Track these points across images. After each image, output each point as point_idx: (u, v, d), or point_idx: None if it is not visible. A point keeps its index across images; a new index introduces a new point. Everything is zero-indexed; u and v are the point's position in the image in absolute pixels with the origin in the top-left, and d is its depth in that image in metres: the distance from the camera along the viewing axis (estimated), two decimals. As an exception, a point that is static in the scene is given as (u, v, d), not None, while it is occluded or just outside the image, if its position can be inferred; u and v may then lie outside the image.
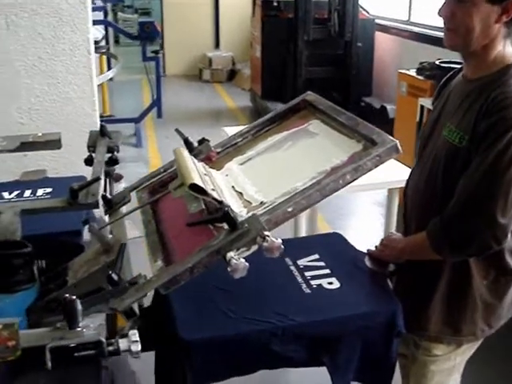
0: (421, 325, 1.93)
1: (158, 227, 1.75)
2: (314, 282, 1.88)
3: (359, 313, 1.76)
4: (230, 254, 1.39)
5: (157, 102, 7.84)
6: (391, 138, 1.56)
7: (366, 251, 2.05)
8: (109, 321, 1.40)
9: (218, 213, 1.45)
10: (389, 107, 7.07)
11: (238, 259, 1.37)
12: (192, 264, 1.41)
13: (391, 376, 1.83)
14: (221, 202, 1.51)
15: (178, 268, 1.43)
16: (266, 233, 1.39)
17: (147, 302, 1.73)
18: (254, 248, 1.42)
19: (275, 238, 1.38)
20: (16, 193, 2.48)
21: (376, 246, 2.03)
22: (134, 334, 1.23)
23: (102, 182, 2.03)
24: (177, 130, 2.08)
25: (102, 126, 2.27)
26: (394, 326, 1.76)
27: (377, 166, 1.53)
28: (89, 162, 2.18)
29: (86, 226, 2.06)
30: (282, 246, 1.38)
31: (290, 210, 1.46)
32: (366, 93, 8.10)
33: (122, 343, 1.23)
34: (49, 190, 2.47)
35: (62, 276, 1.73)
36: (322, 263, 1.99)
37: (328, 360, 1.74)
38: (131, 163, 6.28)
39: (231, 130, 4.29)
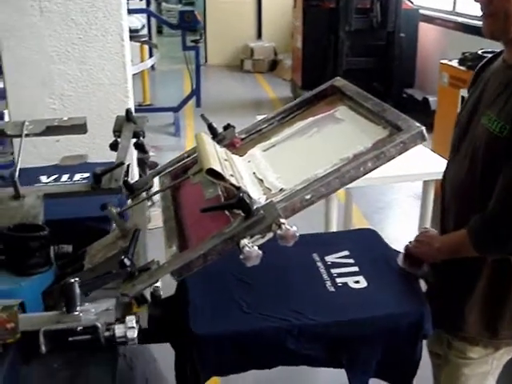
0: (456, 325, 1.84)
1: (176, 213, 1.71)
2: (339, 280, 1.78)
3: (382, 314, 1.66)
4: (244, 242, 1.35)
5: (196, 92, 7.84)
6: (417, 124, 1.49)
7: (399, 250, 1.95)
8: (121, 307, 1.37)
9: (234, 199, 1.40)
10: (431, 99, 6.94)
11: (251, 247, 1.32)
12: (205, 251, 1.37)
13: (413, 377, 1.74)
14: (238, 188, 1.46)
15: (190, 254, 1.40)
16: (282, 220, 1.34)
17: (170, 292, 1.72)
18: (269, 236, 1.37)
19: (291, 225, 1.33)
20: (54, 177, 2.48)
21: (410, 242, 1.94)
22: (131, 321, 1.20)
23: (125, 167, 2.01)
24: (202, 116, 2.04)
25: (127, 111, 2.25)
26: (419, 329, 1.66)
27: (401, 153, 1.46)
28: (114, 146, 2.17)
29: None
30: (297, 234, 1.33)
31: (307, 197, 1.41)
32: (408, 84, 7.97)
33: (118, 329, 1.20)
34: (86, 175, 2.43)
35: (79, 260, 1.71)
36: (351, 260, 1.90)
37: (347, 361, 1.66)
38: (169, 152, 6.27)
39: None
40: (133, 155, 3.52)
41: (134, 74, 7.64)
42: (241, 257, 1.32)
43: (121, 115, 2.28)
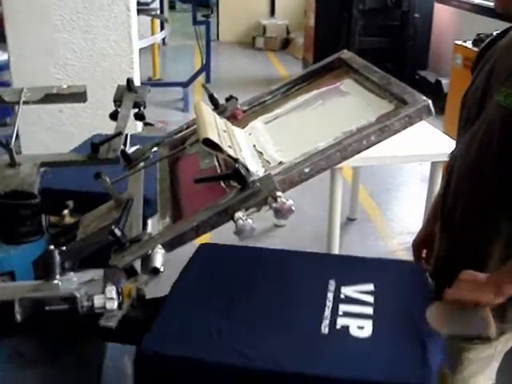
0: None
1: (172, 185, 1.67)
2: (341, 321, 1.53)
3: (364, 379, 1.39)
4: (238, 214, 1.30)
5: (205, 67, 7.74)
6: (424, 98, 1.43)
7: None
8: (111, 278, 1.32)
9: (230, 170, 1.36)
10: (444, 81, 6.82)
11: (245, 220, 1.27)
12: (197, 222, 1.33)
13: None
14: (235, 160, 1.40)
15: (183, 226, 1.35)
16: (278, 193, 1.29)
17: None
18: (265, 209, 1.32)
19: (287, 199, 1.28)
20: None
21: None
22: (111, 291, 1.15)
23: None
24: (203, 86, 2.00)
25: (128, 80, 2.20)
26: None
27: (406, 127, 1.40)
28: (114, 116, 2.12)
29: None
30: (293, 208, 1.27)
31: (306, 170, 1.36)
32: (421, 66, 7.85)
33: (97, 300, 1.15)
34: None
35: (72, 230, 1.67)
36: (370, 298, 1.62)
37: None
38: (177, 127, 6.20)
39: None
40: (137, 127, 3.50)
41: (143, 48, 7.62)
42: (234, 230, 1.28)
43: (122, 84, 2.24)
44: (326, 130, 1.54)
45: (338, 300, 1.60)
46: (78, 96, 2.20)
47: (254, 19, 11.52)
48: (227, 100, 1.93)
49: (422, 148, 3.13)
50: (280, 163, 1.48)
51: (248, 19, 11.58)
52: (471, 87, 1.77)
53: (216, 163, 1.49)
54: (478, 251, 1.71)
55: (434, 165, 3.21)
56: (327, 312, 1.55)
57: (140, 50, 6.90)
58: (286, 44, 11.17)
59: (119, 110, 2.14)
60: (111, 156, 1.90)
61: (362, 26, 7.50)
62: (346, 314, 1.56)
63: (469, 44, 4.85)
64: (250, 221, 1.28)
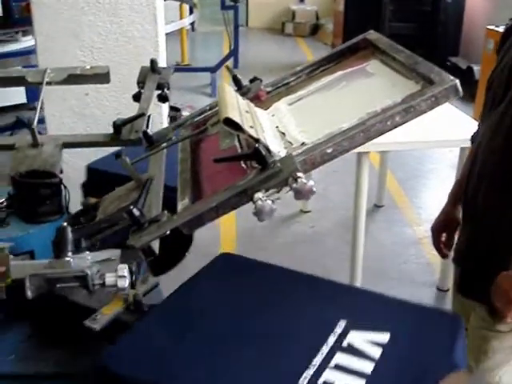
0: (487, 294, 1.72)
1: (193, 165, 1.64)
2: (326, 376, 1.21)
3: None
4: (258, 195, 1.26)
5: (234, 52, 7.74)
6: (452, 77, 1.38)
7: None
8: (127, 257, 1.31)
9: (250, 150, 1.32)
10: (475, 68, 6.72)
11: (264, 200, 1.24)
12: (217, 203, 1.30)
13: None
14: (257, 140, 1.37)
15: (201, 206, 1.32)
16: (299, 174, 1.25)
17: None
18: (285, 190, 1.28)
19: (308, 179, 1.24)
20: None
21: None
22: (122, 269, 1.13)
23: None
24: (226, 67, 1.96)
25: (152, 61, 2.17)
26: None
27: (432, 108, 1.35)
28: (137, 97, 2.10)
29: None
30: (314, 190, 1.23)
31: (329, 151, 1.32)
32: (452, 52, 7.75)
33: (109, 277, 1.13)
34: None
35: (92, 211, 1.66)
36: (377, 351, 1.29)
37: None
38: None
39: None
40: (162, 110, 3.48)
41: (172, 34, 7.60)
42: (253, 211, 1.24)
43: (146, 66, 2.21)
44: (350, 111, 1.49)
45: (335, 347, 1.30)
46: (102, 77, 2.18)
47: (284, 5, 11.48)
48: (251, 81, 1.89)
49: (451, 133, 3.07)
50: (302, 144, 1.44)
51: (277, 5, 11.53)
52: (497, 68, 1.72)
53: (237, 143, 1.45)
54: (501, 236, 1.66)
55: (462, 151, 3.14)
56: (318, 359, 1.26)
57: (168, 35, 6.91)
58: (315, 30, 11.10)
59: (142, 91, 2.12)
60: (133, 137, 1.88)
61: (392, 12, 7.42)
62: (336, 367, 1.24)
63: (501, 29, 4.75)
64: (269, 201, 1.24)
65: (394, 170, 4.76)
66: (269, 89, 1.86)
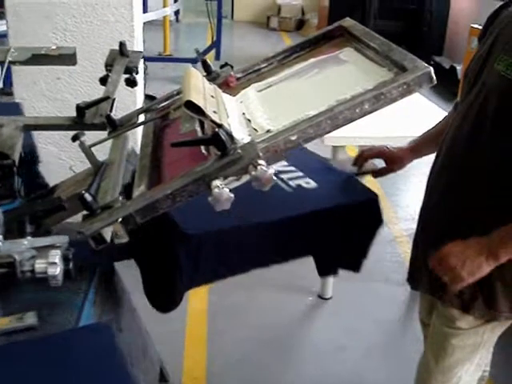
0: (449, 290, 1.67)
1: (154, 152, 1.56)
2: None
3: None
4: (216, 183, 1.19)
5: (216, 44, 7.65)
6: (425, 64, 1.31)
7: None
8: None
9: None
10: (458, 68, 6.70)
11: (221, 188, 1.17)
12: (171, 190, 1.22)
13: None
14: (219, 126, 1.29)
15: (156, 193, 1.25)
16: (260, 161, 1.19)
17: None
18: (245, 178, 1.22)
19: (268, 167, 1.18)
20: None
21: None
22: (54, 256, 1.05)
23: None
24: (195, 50, 1.89)
25: (121, 43, 2.09)
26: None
27: (404, 96, 1.28)
28: (104, 81, 2.02)
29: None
30: (275, 178, 1.20)
31: (293, 138, 1.25)
32: (437, 51, 7.70)
33: (38, 264, 1.05)
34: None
35: (49, 195, 1.58)
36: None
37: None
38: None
39: None
40: (137, 100, 3.40)
41: (154, 24, 7.51)
42: (209, 199, 1.18)
43: (114, 49, 2.13)
44: (320, 99, 1.42)
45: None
46: (68, 58, 2.09)
47: (269, -1, 11.38)
48: (221, 67, 1.83)
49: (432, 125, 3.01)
50: (268, 131, 1.37)
51: (263, -2, 11.43)
52: (475, 57, 1.66)
53: (198, 128, 1.38)
54: (449, 226, 1.64)
55: (441, 148, 3.08)
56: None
57: (152, 25, 6.82)
58: (300, 25, 11.04)
59: (110, 74, 2.04)
60: (97, 121, 1.80)
61: (377, 9, 7.36)
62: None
63: (485, 27, 4.71)
64: (226, 190, 1.18)
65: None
66: (239, 75, 1.80)
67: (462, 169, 1.62)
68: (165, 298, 1.65)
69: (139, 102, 3.52)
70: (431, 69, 1.28)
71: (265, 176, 1.17)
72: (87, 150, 1.53)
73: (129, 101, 3.31)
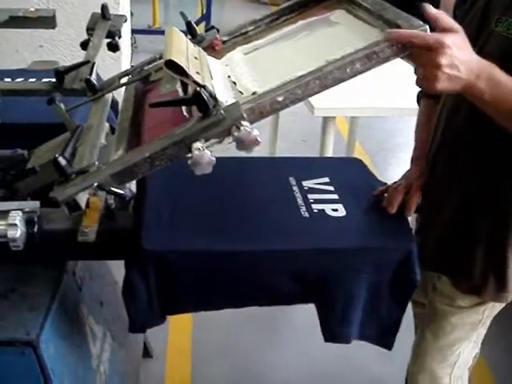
0: (452, 268, 1.63)
1: (134, 116, 1.49)
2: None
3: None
4: (197, 145, 1.12)
5: (206, 17, 7.52)
6: (421, 23, 1.22)
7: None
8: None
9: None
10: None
11: (202, 150, 1.11)
12: (150, 153, 1.15)
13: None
14: (202, 86, 1.21)
15: (134, 157, 1.18)
16: (244, 122, 1.12)
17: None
18: (228, 141, 1.15)
19: (252, 128, 1.11)
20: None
21: None
22: (14, 217, 0.99)
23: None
24: (181, 13, 1.80)
25: (103, 6, 2.00)
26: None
27: (397, 55, 1.20)
28: (85, 45, 1.93)
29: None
30: (259, 140, 1.11)
31: (279, 99, 1.18)
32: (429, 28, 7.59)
33: None
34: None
35: (23, 162, 1.50)
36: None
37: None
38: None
39: None
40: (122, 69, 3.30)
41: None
42: (189, 162, 1.12)
43: (96, 12, 2.04)
44: (309, 60, 1.34)
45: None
46: (47, 21, 2.01)
47: (261, -29, 11.18)
48: (207, 31, 1.75)
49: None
50: (254, 93, 1.30)
51: (254, -29, 11.23)
52: (466, 21, 1.56)
53: (179, 89, 1.32)
54: (460, 207, 1.56)
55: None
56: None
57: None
58: (291, -1, 10.86)
59: (91, 39, 1.95)
60: (77, 86, 1.72)
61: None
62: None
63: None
64: (207, 152, 1.11)
65: (362, 143, 4.64)
66: (225, 38, 1.72)
67: (463, 143, 1.54)
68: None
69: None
70: (427, 27, 1.20)
71: (249, 137, 1.11)
72: (63, 114, 1.45)
73: (113, 71, 3.20)
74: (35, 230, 1.22)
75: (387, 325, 1.52)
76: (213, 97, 1.18)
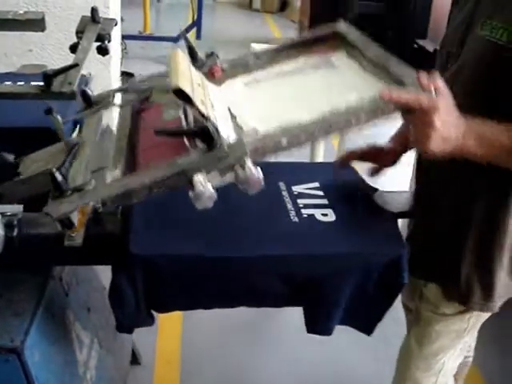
0: (436, 274, 1.62)
1: (131, 134, 1.49)
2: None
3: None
4: (199, 178, 1.14)
5: (197, 23, 7.50)
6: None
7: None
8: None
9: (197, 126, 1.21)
10: (443, 51, 6.57)
11: (204, 184, 1.12)
12: (150, 180, 1.16)
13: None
14: (206, 118, 1.24)
15: (133, 181, 1.19)
16: (248, 161, 1.14)
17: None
18: (229, 177, 1.17)
19: (257, 169, 1.14)
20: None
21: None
22: None
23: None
24: (183, 36, 1.85)
25: (92, 9, 1.95)
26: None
27: (399, 111, 1.26)
28: (74, 48, 1.87)
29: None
30: (262, 183, 1.15)
31: (283, 141, 1.21)
32: (421, 35, 7.50)
33: None
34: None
35: (10, 169, 1.48)
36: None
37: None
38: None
39: (260, 47, 3.95)
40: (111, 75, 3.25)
41: (134, 3, 7.34)
42: (190, 194, 1.13)
43: (86, 15, 1.99)
44: (311, 102, 1.40)
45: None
46: (36, 23, 1.95)
47: (252, -21, 11.18)
48: (207, 56, 1.73)
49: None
50: (254, 129, 1.33)
51: (246, -22, 11.24)
52: (452, 26, 1.55)
53: (182, 116, 1.32)
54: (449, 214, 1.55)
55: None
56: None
57: (132, 4, 6.71)
58: (284, 6, 10.87)
59: (81, 42, 1.90)
60: (66, 89, 1.65)
61: (360, -10, 7.19)
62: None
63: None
64: (209, 187, 1.13)
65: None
66: (225, 66, 1.71)
67: None
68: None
69: (114, 78, 3.43)
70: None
71: (253, 178, 1.13)
72: (59, 126, 1.46)
73: (102, 73, 3.24)
74: (14, 233, 1.23)
75: (371, 316, 1.57)
76: (216, 130, 1.19)
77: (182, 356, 2.75)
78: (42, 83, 1.62)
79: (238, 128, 1.36)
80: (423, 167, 1.67)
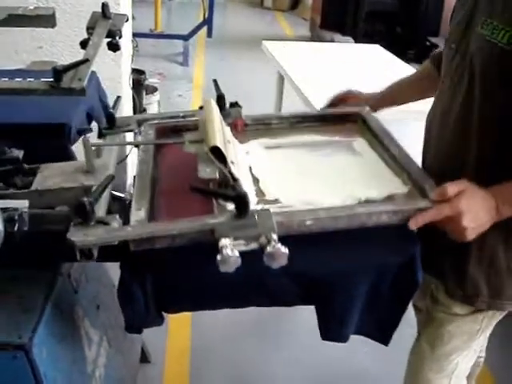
0: (447, 276, 1.59)
1: (154, 172, 1.52)
2: None
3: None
4: (226, 241, 1.18)
5: (208, 21, 7.43)
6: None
7: None
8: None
9: (230, 190, 1.28)
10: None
11: (232, 250, 1.15)
12: (176, 233, 1.21)
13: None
14: (235, 180, 1.32)
15: (159, 229, 1.23)
16: (274, 236, 1.18)
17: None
18: (253, 246, 1.20)
19: (283, 246, 1.16)
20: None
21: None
22: None
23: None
24: (214, 81, 1.86)
25: (103, 5, 1.92)
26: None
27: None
28: (85, 44, 1.86)
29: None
30: (287, 260, 1.17)
31: (308, 223, 1.27)
32: (433, 32, 7.46)
33: None
34: (54, 80, 2.19)
35: (29, 175, 1.49)
36: None
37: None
38: (174, 80, 6.42)
39: (271, 45, 3.92)
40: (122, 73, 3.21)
41: (146, 1, 7.27)
42: (218, 258, 1.15)
43: (97, 11, 1.96)
44: (332, 185, 1.49)
45: None
46: (46, 19, 1.94)
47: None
48: (231, 106, 1.80)
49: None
50: (276, 200, 1.41)
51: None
52: (454, 24, 1.54)
53: (217, 176, 1.35)
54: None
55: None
56: None
57: (143, 2, 6.72)
58: (295, 4, 10.80)
59: (91, 37, 1.87)
60: (76, 86, 1.63)
61: (372, -13, 7.17)
62: None
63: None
64: (236, 253, 1.16)
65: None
66: (248, 121, 1.78)
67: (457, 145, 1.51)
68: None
69: (125, 74, 3.45)
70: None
71: (279, 253, 1.16)
72: (90, 151, 1.47)
73: (112, 72, 3.25)
74: (15, 229, 1.22)
75: (386, 322, 1.50)
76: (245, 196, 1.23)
77: (191, 354, 2.75)
78: (51, 79, 1.62)
79: (260, 193, 1.43)
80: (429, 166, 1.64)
